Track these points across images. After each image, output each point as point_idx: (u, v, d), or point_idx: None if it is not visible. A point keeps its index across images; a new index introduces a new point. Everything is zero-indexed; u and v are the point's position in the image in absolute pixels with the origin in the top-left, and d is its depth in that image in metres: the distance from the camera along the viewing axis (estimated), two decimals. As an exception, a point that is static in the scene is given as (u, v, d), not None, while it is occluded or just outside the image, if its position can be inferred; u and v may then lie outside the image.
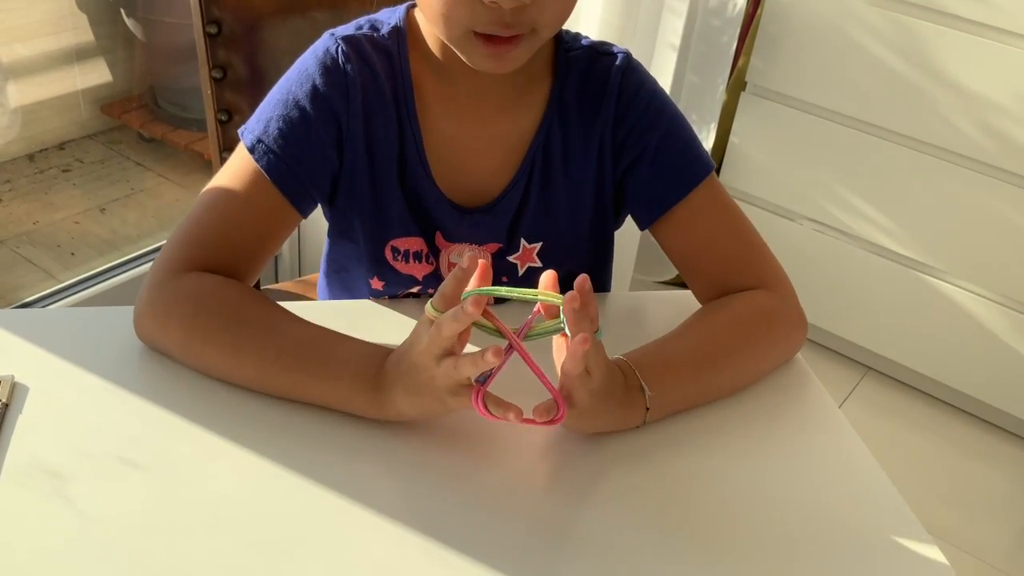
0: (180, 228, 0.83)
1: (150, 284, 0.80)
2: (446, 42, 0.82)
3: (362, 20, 0.89)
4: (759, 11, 2.00)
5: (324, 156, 0.86)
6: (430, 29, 0.87)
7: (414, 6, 0.90)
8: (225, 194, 0.84)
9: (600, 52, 0.91)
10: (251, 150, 0.84)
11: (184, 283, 0.79)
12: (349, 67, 0.85)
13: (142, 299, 0.80)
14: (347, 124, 0.86)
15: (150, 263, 1.97)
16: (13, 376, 0.76)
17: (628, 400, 0.76)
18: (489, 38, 0.77)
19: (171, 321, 0.78)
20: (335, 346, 0.77)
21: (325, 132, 0.85)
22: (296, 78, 0.86)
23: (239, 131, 0.87)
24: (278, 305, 0.81)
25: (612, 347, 0.76)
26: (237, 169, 0.85)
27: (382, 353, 0.75)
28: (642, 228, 0.94)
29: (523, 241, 0.93)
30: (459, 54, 0.81)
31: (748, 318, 0.86)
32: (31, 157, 2.38)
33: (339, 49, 0.85)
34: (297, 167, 0.84)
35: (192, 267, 0.81)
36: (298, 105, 0.85)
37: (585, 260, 0.98)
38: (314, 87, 0.85)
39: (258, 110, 0.87)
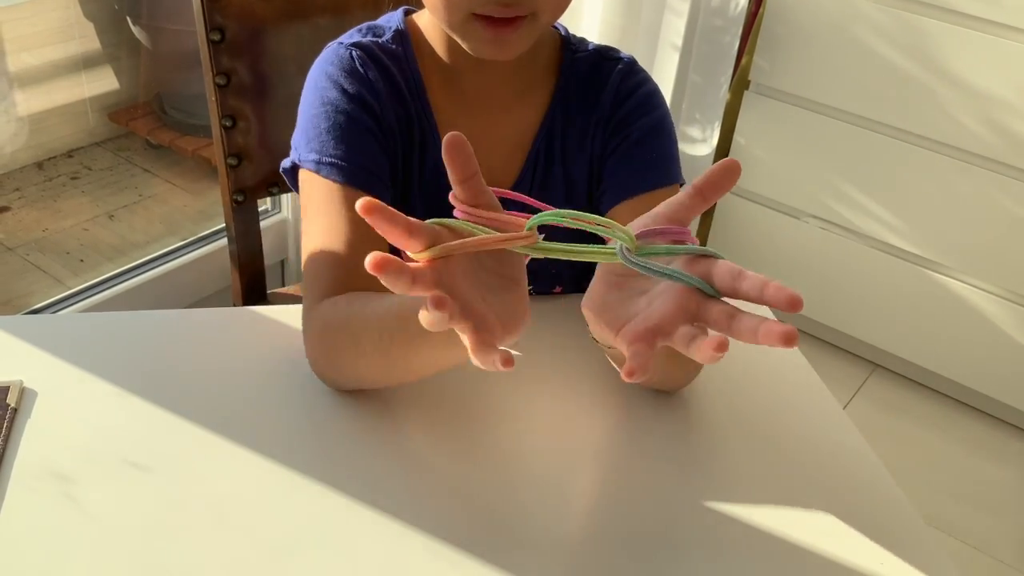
0: (304, 275, 0.83)
1: (303, 332, 0.81)
2: (447, 30, 0.82)
3: (362, 27, 0.90)
4: (761, 10, 2.00)
5: (379, 145, 0.86)
6: (432, 28, 0.87)
7: (411, 11, 0.91)
8: (321, 222, 0.83)
9: (605, 56, 0.92)
10: (317, 172, 0.83)
11: (314, 315, 0.79)
12: (367, 69, 0.86)
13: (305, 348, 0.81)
14: (382, 116, 0.86)
15: (159, 268, 1.99)
16: (22, 381, 0.77)
17: None
18: (490, 21, 0.78)
19: (315, 353, 0.79)
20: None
21: (371, 124, 0.85)
22: (324, 87, 0.86)
23: (285, 167, 0.86)
24: (377, 293, 0.76)
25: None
26: (317, 197, 0.83)
27: None
28: (603, 212, 0.90)
29: None
30: (460, 41, 0.82)
31: None
32: (40, 165, 2.39)
33: (352, 54, 0.86)
34: (366, 163, 0.84)
35: (323, 300, 0.80)
36: (338, 109, 0.84)
37: None
38: (344, 89, 0.85)
39: (302, 136, 0.85)
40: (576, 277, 0.98)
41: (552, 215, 0.57)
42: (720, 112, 2.03)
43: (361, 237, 0.81)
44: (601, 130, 0.91)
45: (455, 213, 0.60)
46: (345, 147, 0.83)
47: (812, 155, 2.00)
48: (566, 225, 0.57)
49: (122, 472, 0.70)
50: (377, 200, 0.54)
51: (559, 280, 0.98)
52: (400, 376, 0.78)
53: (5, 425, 0.72)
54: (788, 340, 0.50)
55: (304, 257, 0.83)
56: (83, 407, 0.76)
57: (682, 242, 0.59)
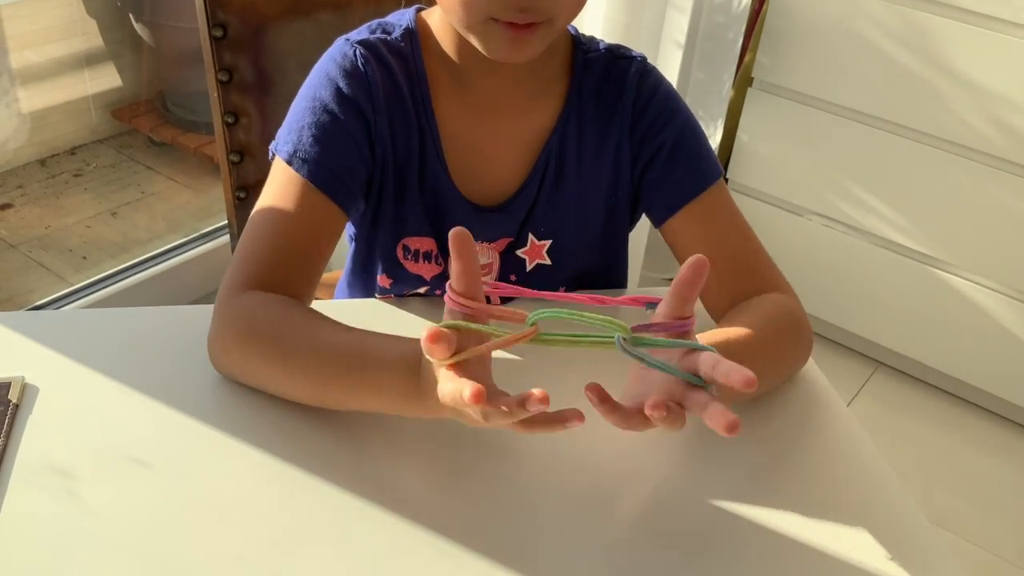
0: (235, 253, 0.83)
1: (213, 312, 0.80)
2: (463, 32, 0.82)
3: (372, 24, 0.90)
4: (764, 7, 2.00)
5: (359, 153, 0.86)
6: (444, 29, 0.87)
7: (422, 9, 0.91)
8: (272, 210, 0.83)
9: (617, 56, 0.92)
10: (289, 162, 0.84)
11: (237, 303, 0.79)
12: (368, 69, 0.86)
13: (210, 329, 0.80)
14: (374, 122, 0.86)
15: (162, 265, 1.99)
16: (23, 377, 0.77)
17: None
18: (508, 23, 0.78)
19: (229, 342, 0.78)
20: (374, 351, 0.73)
21: (357, 130, 0.86)
22: (319, 84, 0.86)
23: (270, 148, 0.87)
24: (319, 314, 0.79)
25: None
26: (279, 184, 0.84)
27: (419, 351, 0.69)
28: (657, 225, 0.94)
29: (531, 237, 0.94)
30: (476, 43, 0.81)
31: (782, 317, 0.86)
32: (43, 162, 2.40)
33: (356, 52, 0.86)
34: (337, 168, 0.85)
35: (249, 287, 0.79)
36: (326, 109, 0.85)
37: (597, 260, 0.99)
38: (338, 89, 0.85)
39: (285, 125, 0.87)
40: (578, 277, 0.98)
41: (551, 312, 0.63)
42: (723, 109, 2.03)
43: (307, 236, 0.83)
44: (627, 139, 0.91)
45: (448, 304, 0.66)
46: (321, 148, 0.84)
47: (816, 152, 2.00)
48: (564, 319, 0.63)
49: (124, 468, 0.70)
50: (440, 335, 0.61)
51: (561, 281, 0.98)
52: (328, 406, 0.76)
53: (7, 421, 0.72)
54: (728, 429, 0.61)
55: (244, 233, 0.84)
56: (85, 403, 0.76)
57: (685, 332, 0.68)
